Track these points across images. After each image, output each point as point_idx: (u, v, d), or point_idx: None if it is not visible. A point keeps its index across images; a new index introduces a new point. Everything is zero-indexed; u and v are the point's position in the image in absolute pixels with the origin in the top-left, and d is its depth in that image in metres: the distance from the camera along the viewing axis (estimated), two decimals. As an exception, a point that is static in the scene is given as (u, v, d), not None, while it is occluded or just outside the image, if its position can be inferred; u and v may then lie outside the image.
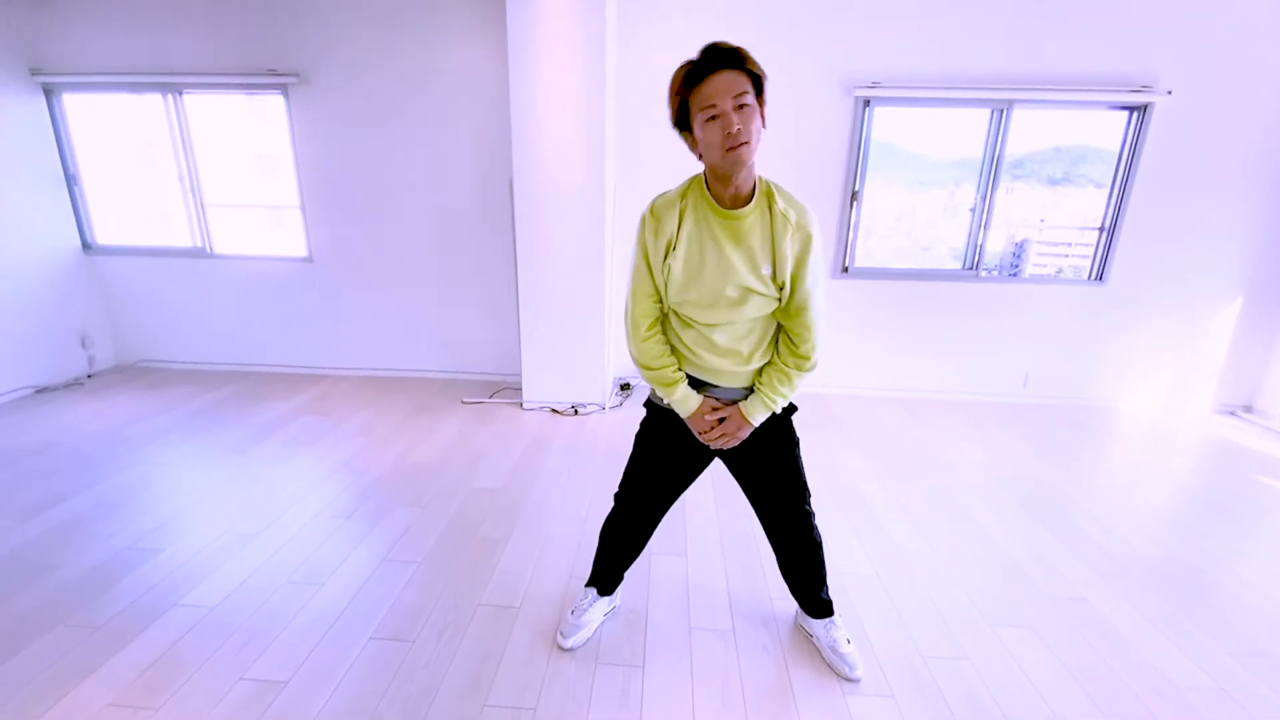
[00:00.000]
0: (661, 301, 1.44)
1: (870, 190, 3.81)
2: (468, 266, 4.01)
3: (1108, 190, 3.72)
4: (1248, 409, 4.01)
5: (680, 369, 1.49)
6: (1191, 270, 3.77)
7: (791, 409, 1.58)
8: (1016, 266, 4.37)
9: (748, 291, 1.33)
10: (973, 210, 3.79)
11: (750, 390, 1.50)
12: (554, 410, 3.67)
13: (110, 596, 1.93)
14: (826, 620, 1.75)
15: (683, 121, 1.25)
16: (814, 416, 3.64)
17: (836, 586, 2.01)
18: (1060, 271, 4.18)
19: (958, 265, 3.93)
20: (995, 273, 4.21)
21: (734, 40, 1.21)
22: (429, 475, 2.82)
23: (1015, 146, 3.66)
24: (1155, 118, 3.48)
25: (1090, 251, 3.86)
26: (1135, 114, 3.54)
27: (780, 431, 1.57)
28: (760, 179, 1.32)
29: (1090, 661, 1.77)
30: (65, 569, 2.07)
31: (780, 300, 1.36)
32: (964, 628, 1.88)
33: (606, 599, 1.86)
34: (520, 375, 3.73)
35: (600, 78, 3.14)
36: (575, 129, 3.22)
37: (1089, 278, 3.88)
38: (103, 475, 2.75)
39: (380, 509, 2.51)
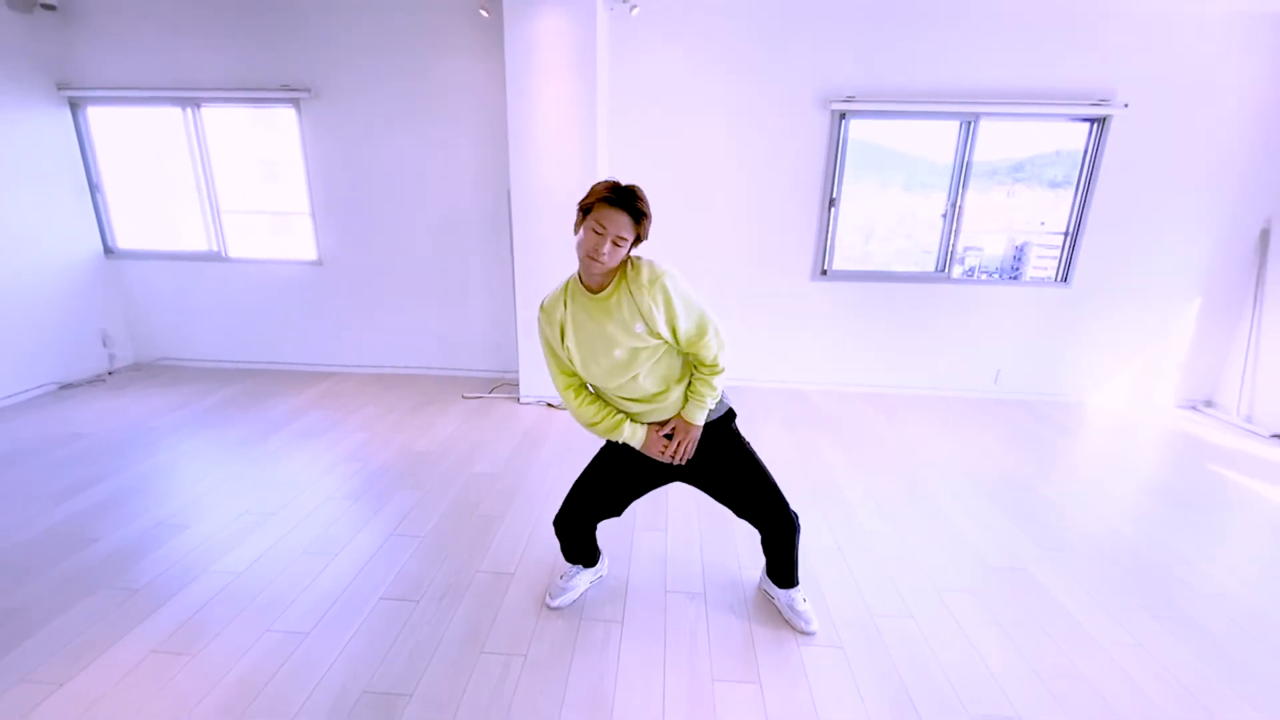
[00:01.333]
0: (577, 375, 1.70)
1: (870, 193, 4.00)
2: (468, 269, 4.24)
3: (1070, 196, 3.94)
4: (1209, 404, 4.22)
5: (619, 413, 1.73)
6: (1152, 272, 3.99)
7: (731, 415, 1.81)
8: (1018, 269, 4.46)
9: (633, 350, 1.58)
10: (944, 216, 4.01)
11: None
12: (549, 404, 3.89)
13: (146, 564, 2.15)
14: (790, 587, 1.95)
15: (587, 209, 1.51)
16: (794, 411, 3.84)
17: (801, 559, 2.21)
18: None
19: (956, 268, 4.12)
20: (996, 275, 4.36)
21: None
22: (431, 462, 3.03)
23: (1016, 150, 3.85)
24: (1114, 129, 3.71)
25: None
26: (1095, 125, 3.77)
27: (724, 436, 1.79)
28: (628, 260, 1.57)
29: (1020, 618, 1.98)
30: (103, 542, 2.28)
31: (670, 342, 1.60)
32: (912, 592, 2.10)
33: (592, 570, 2.06)
34: (518, 372, 3.96)
35: (592, 91, 3.37)
36: (569, 139, 3.45)
37: (1054, 279, 4.10)
38: (128, 464, 2.97)
39: (386, 492, 2.72)
